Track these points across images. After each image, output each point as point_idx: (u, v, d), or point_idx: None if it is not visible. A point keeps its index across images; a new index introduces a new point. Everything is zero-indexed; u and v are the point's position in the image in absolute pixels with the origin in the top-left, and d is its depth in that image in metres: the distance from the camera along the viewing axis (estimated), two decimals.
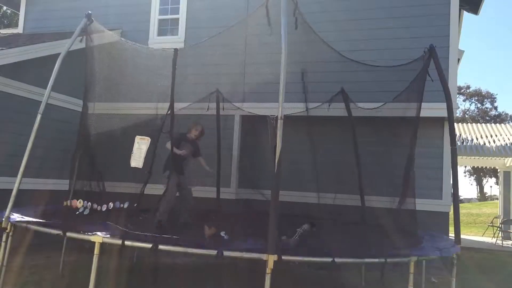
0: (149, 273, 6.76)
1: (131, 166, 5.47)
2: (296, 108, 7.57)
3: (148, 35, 9.47)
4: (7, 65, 7.32)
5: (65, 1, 9.93)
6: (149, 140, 5.52)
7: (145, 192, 6.42)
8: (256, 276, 3.69)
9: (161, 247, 4.08)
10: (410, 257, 4.08)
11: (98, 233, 4.36)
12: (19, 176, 5.19)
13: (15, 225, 4.98)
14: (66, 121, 8.15)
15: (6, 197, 5.18)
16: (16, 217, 5.04)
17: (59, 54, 5.64)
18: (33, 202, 6.36)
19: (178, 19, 9.46)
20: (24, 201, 6.06)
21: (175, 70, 6.41)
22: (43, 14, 10.17)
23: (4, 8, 18.40)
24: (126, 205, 6.57)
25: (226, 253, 3.84)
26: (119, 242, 4.19)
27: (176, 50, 6.42)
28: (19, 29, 10.47)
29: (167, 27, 9.64)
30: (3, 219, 5.01)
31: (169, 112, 6.10)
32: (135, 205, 6.43)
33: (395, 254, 4.11)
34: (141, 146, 5.44)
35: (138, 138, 5.52)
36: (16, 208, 5.30)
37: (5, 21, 25.46)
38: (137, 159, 5.41)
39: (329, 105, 7.66)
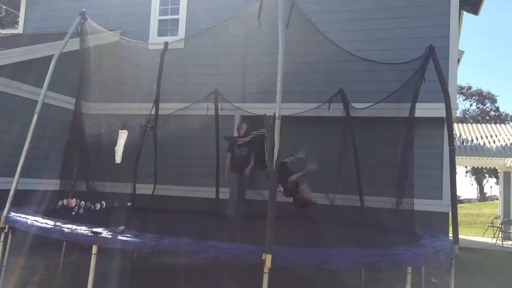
0: (149, 273, 6.77)
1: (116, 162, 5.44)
2: (296, 108, 7.57)
3: (148, 36, 9.48)
4: (8, 65, 7.33)
5: (65, 1, 9.95)
6: (126, 133, 5.48)
7: (138, 192, 6.43)
8: (256, 276, 3.69)
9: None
10: (406, 266, 4.08)
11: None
12: (16, 176, 5.20)
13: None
14: (69, 122, 8.16)
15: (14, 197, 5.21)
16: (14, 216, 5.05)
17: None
18: (33, 202, 6.39)
19: (178, 19, 9.47)
20: (26, 202, 6.10)
21: (162, 64, 6.44)
22: (44, 15, 10.19)
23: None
24: (116, 204, 6.62)
25: (223, 252, 3.85)
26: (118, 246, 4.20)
27: (166, 43, 6.45)
28: (19, 30, 10.49)
29: (167, 28, 9.66)
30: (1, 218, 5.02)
31: (153, 108, 6.17)
32: (128, 204, 6.45)
33: (393, 254, 4.10)
34: (119, 141, 5.37)
35: (119, 132, 5.49)
36: (16, 208, 5.33)
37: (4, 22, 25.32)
38: (117, 154, 5.36)
39: (329, 106, 7.68)
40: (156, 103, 6.35)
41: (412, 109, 6.08)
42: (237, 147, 7.17)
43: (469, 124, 17.57)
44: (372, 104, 7.22)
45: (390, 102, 6.79)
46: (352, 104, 7.64)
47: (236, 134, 7.78)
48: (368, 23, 8.25)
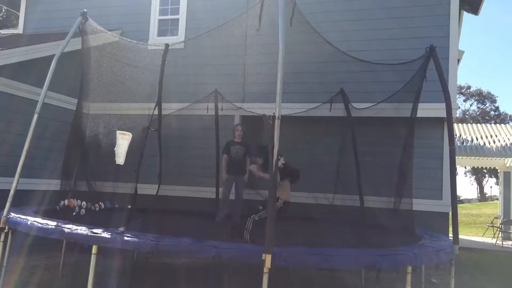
0: (149, 273, 6.77)
1: (116, 163, 5.36)
2: (296, 108, 7.57)
3: (148, 36, 9.48)
4: (8, 65, 7.33)
5: (65, 1, 9.95)
6: (130, 135, 5.32)
7: (140, 192, 6.41)
8: (256, 276, 3.70)
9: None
10: (406, 266, 4.09)
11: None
12: (16, 176, 5.20)
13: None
14: (69, 122, 8.16)
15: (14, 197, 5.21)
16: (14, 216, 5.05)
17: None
18: (33, 202, 6.39)
19: (178, 19, 9.47)
20: (26, 202, 6.10)
21: (164, 65, 6.45)
22: (44, 15, 10.18)
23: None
24: (116, 205, 6.62)
25: (223, 252, 3.86)
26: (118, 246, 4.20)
27: (167, 45, 6.46)
28: (19, 30, 10.48)
29: (167, 28, 9.65)
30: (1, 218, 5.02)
31: (156, 109, 6.17)
32: (128, 206, 6.45)
33: (393, 254, 4.11)
34: (120, 142, 5.24)
35: (118, 133, 5.31)
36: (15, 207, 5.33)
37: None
38: (118, 155, 5.27)
39: (331, 106, 7.68)
40: (159, 105, 6.35)
41: (414, 109, 6.08)
42: (234, 149, 7.15)
43: (469, 124, 17.57)
44: (374, 104, 7.21)
45: (391, 102, 6.78)
46: (352, 104, 7.63)
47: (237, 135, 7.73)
48: (367, 23, 8.23)
